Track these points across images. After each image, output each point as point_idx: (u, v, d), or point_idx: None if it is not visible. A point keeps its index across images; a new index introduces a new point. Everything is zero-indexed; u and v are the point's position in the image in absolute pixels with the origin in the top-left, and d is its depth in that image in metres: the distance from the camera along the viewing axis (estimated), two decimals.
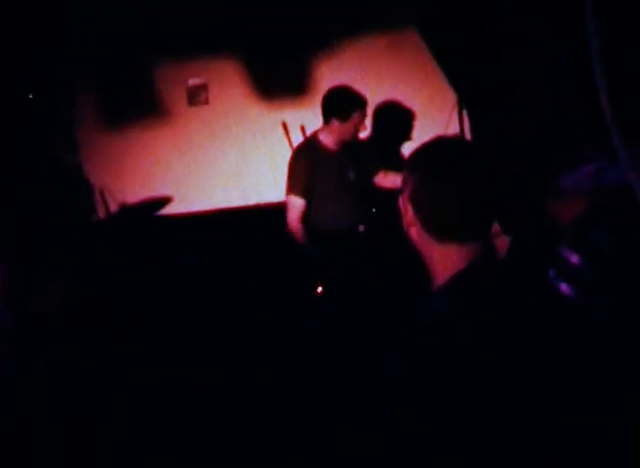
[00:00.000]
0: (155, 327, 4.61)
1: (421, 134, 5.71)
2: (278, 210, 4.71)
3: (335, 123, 4.45)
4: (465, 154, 1.73)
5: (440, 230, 1.71)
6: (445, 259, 1.71)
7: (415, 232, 1.76)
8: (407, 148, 5.80)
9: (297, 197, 4.52)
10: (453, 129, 5.58)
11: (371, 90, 5.42)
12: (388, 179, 4.83)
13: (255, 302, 4.90)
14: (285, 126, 5.24)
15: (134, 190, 5.62)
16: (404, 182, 1.77)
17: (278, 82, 5.71)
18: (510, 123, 4.46)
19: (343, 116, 4.40)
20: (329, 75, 5.62)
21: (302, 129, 5.33)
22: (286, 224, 4.55)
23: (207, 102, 5.73)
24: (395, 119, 5.76)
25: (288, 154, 4.90)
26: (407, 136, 5.78)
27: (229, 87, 5.70)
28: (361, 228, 4.66)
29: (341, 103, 4.43)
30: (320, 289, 4.40)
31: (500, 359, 1.56)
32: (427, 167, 1.71)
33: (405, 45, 5.64)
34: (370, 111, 5.36)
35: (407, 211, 1.76)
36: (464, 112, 5.59)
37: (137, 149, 5.68)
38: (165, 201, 5.62)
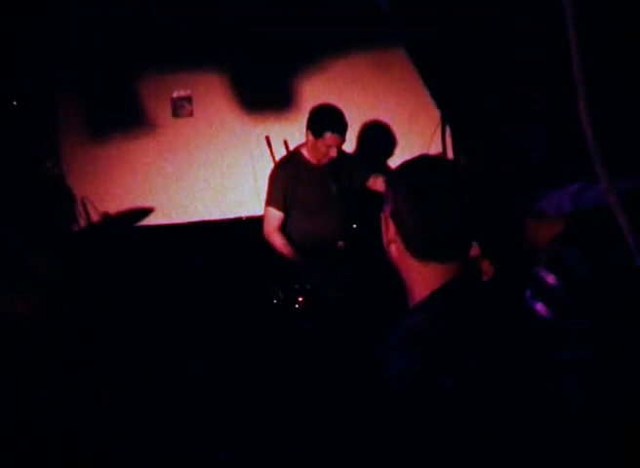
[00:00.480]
0: (134, 335, 4.57)
1: (405, 150, 5.75)
2: (260, 222, 4.71)
3: (310, 138, 4.46)
4: (448, 174, 1.74)
5: (420, 248, 1.71)
6: (424, 278, 1.71)
7: (394, 249, 1.76)
8: (390, 164, 5.83)
9: (274, 209, 4.56)
10: (435, 146, 5.61)
11: (356, 105, 5.48)
12: (380, 183, 4.80)
13: (233, 315, 4.89)
14: (268, 140, 5.23)
15: (116, 201, 5.60)
16: (386, 199, 1.77)
17: (263, 96, 5.71)
18: (493, 142, 4.47)
19: (315, 133, 4.41)
20: (314, 90, 5.65)
21: (285, 143, 5.33)
22: (263, 235, 4.62)
23: (191, 115, 5.72)
24: (379, 135, 5.79)
25: (270, 168, 4.90)
26: (390, 153, 5.81)
27: (214, 100, 5.69)
28: (340, 244, 4.66)
29: (316, 120, 4.44)
30: (300, 299, 4.41)
31: (472, 377, 1.56)
32: (410, 185, 1.72)
33: (391, 62, 5.66)
34: (355, 127, 5.39)
35: (388, 227, 1.76)
36: (447, 129, 5.61)
37: (119, 160, 5.65)
38: (146, 212, 5.61)
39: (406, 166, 1.80)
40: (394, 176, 1.80)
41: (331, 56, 5.69)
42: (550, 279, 2.58)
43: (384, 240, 1.79)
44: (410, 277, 1.74)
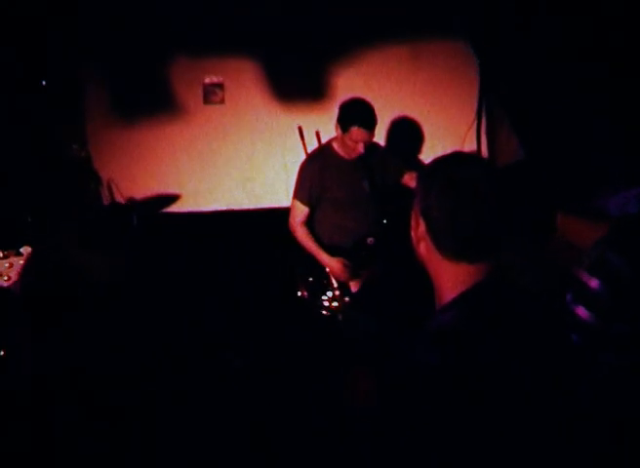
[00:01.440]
0: (152, 322, 4.55)
1: (438, 147, 5.67)
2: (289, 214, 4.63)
3: (339, 132, 4.37)
4: (482, 171, 1.69)
5: (451, 248, 1.68)
6: (453, 278, 1.68)
7: (424, 248, 1.73)
8: (423, 161, 5.75)
9: (300, 203, 4.51)
10: (470, 143, 5.53)
11: (389, 99, 5.38)
12: (415, 181, 4.72)
13: (253, 305, 4.87)
14: (300, 130, 5.16)
15: (142, 185, 5.55)
16: (416, 196, 1.74)
17: (295, 85, 5.64)
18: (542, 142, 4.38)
19: (343, 127, 4.32)
20: (347, 81, 5.57)
21: (317, 134, 5.25)
22: (288, 226, 4.57)
23: (222, 102, 5.65)
24: (412, 131, 5.70)
25: (301, 159, 4.82)
26: (422, 149, 5.73)
27: (246, 87, 5.63)
28: (370, 241, 4.57)
29: (344, 114, 4.35)
30: (301, 292, 4.39)
31: (501, 376, 1.54)
32: (442, 181, 1.67)
33: (428, 55, 5.60)
34: (387, 121, 5.29)
35: (417, 225, 1.73)
36: (483, 127, 5.52)
37: (148, 144, 5.60)
38: (173, 198, 5.56)
39: (438, 162, 1.76)
40: (426, 173, 1.76)
41: (368, 46, 5.61)
42: (593, 283, 2.51)
43: (413, 238, 1.76)
44: (438, 276, 1.72)
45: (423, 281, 1.78)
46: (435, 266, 1.72)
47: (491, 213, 1.64)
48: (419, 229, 1.72)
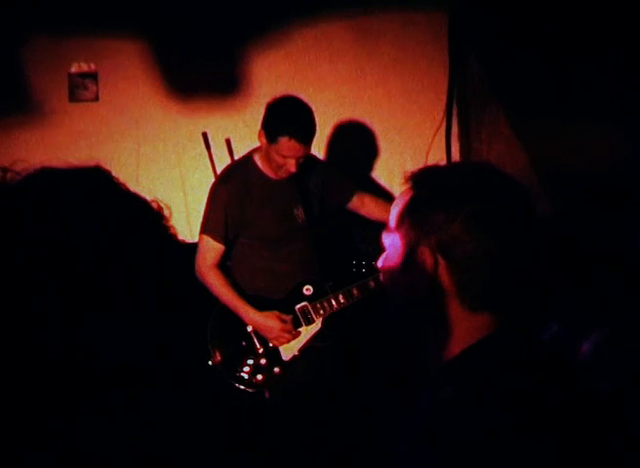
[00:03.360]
0: None
1: (392, 160, 5.70)
2: (192, 252, 4.58)
3: (263, 141, 4.36)
4: (520, 192, 1.76)
5: (479, 293, 1.72)
6: (464, 331, 1.74)
7: (426, 289, 1.75)
8: (377, 177, 5.79)
9: (211, 240, 4.49)
10: (437, 151, 5.59)
11: (330, 97, 5.40)
12: (370, 205, 4.75)
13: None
14: (205, 137, 5.16)
15: None
16: (422, 226, 1.75)
17: (198, 76, 5.61)
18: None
19: (268, 137, 4.32)
20: (270, 72, 5.61)
21: (228, 143, 5.35)
22: (195, 272, 4.52)
23: (96, 99, 5.60)
24: (359, 140, 5.79)
25: (207, 178, 4.82)
26: (373, 164, 5.80)
27: (128, 79, 5.59)
28: (307, 290, 4.58)
29: (270, 119, 4.36)
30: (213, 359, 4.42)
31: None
32: (476, 206, 1.70)
33: (379, 33, 5.65)
34: (329, 124, 5.31)
35: (422, 263, 1.74)
36: (454, 129, 5.60)
37: None
38: None
39: (461, 177, 1.80)
40: (441, 192, 1.77)
41: (296, 22, 5.63)
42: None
43: (401, 279, 1.80)
44: (444, 327, 1.76)
45: (386, 342, 1.81)
46: (444, 316, 1.75)
47: (533, 247, 1.72)
48: (426, 266, 1.73)
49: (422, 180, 1.81)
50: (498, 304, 1.73)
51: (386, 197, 5.03)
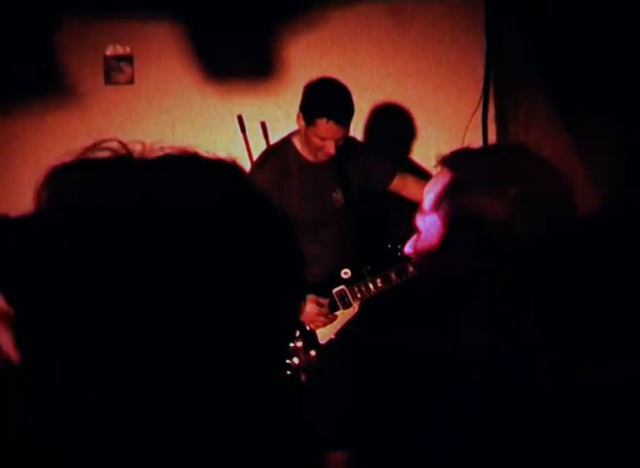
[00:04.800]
0: None
1: (428, 142, 5.70)
2: None
3: (301, 124, 4.38)
4: (565, 179, 1.78)
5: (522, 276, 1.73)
6: None
7: (465, 272, 1.77)
8: (416, 153, 5.84)
9: None
10: (473, 134, 5.57)
11: (366, 79, 5.41)
12: (412, 186, 4.75)
13: None
14: (241, 121, 5.17)
15: (20, 198, 5.44)
16: (460, 205, 1.76)
17: (233, 59, 5.63)
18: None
19: (306, 119, 4.34)
20: (306, 55, 5.61)
21: (264, 126, 5.34)
22: None
23: (131, 81, 5.64)
24: (396, 122, 5.78)
25: (243, 160, 4.82)
26: (411, 146, 5.82)
27: (164, 62, 5.63)
28: (345, 273, 4.59)
29: (308, 101, 4.38)
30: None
31: None
32: (529, 185, 1.73)
33: (417, 17, 5.66)
34: (364, 111, 5.31)
35: (464, 244, 1.75)
36: (490, 114, 5.59)
37: (28, 141, 5.53)
38: None
39: (499, 160, 1.82)
40: (483, 174, 1.78)
41: (331, 4, 5.63)
42: None
43: (439, 262, 1.81)
44: (482, 311, 1.77)
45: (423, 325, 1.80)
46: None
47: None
48: (466, 250, 1.75)
49: (460, 162, 1.82)
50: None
51: (425, 178, 5.04)
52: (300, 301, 1.12)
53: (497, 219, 1.70)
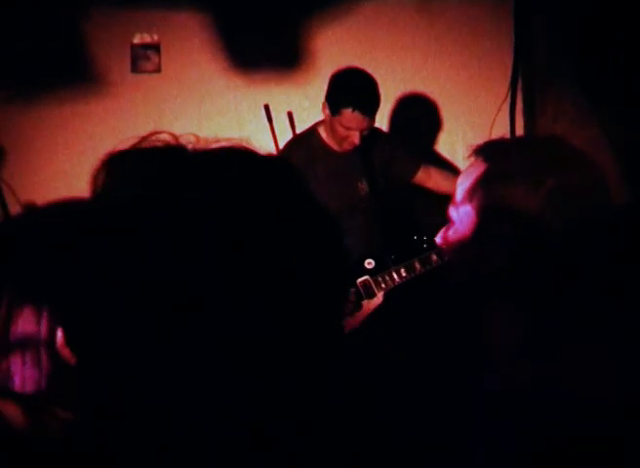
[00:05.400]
0: None
1: (455, 134, 5.69)
2: None
3: (327, 114, 4.39)
4: (599, 171, 1.77)
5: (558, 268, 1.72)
6: None
7: (499, 263, 1.77)
8: (442, 145, 5.83)
9: None
10: (500, 127, 5.56)
11: (392, 69, 5.41)
12: (437, 178, 4.78)
13: None
14: (267, 110, 5.18)
15: (49, 186, 5.49)
16: (495, 197, 1.75)
17: (260, 48, 5.64)
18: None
19: (332, 108, 4.36)
20: (333, 45, 5.61)
21: (290, 116, 5.35)
22: None
23: (158, 70, 5.66)
24: (422, 113, 5.78)
25: (270, 150, 4.82)
26: (436, 138, 5.81)
27: (190, 50, 5.64)
28: (369, 263, 4.59)
29: (334, 90, 4.39)
30: None
31: None
32: (565, 176, 1.72)
33: (443, 7, 5.64)
34: (390, 101, 5.31)
35: (499, 235, 1.75)
36: (518, 107, 5.58)
37: (54, 130, 5.56)
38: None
39: (533, 152, 1.81)
40: (519, 166, 1.77)
41: None
42: None
43: (471, 253, 1.81)
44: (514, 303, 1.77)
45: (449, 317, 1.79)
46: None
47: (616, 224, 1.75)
48: (500, 241, 1.75)
49: (495, 153, 1.81)
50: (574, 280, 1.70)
51: (451, 170, 5.05)
52: (347, 294, 1.12)
53: (531, 211, 1.70)
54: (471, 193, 1.79)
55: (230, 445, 0.98)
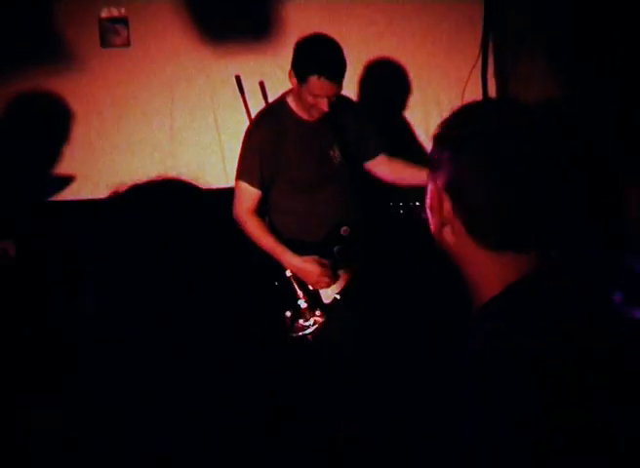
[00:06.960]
0: None
1: (428, 100, 5.71)
2: (227, 197, 4.59)
3: (294, 82, 4.40)
4: (542, 127, 1.70)
5: (490, 234, 1.68)
6: (493, 271, 1.69)
7: (449, 233, 1.73)
8: (415, 109, 5.83)
9: (248, 185, 4.52)
10: (472, 93, 5.57)
11: (360, 36, 5.42)
12: (393, 168, 4.79)
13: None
14: (239, 80, 5.19)
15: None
16: (436, 165, 1.73)
17: (230, 19, 5.64)
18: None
19: (299, 76, 4.36)
20: (301, 11, 5.62)
21: (262, 85, 5.36)
22: (233, 217, 4.54)
23: (127, 44, 5.64)
24: (392, 79, 5.79)
25: (242, 122, 4.84)
26: (406, 104, 5.82)
27: (159, 23, 5.63)
28: (345, 230, 4.61)
29: (300, 58, 4.38)
30: (288, 313, 4.42)
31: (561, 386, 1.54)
32: (479, 144, 1.67)
33: None
34: (358, 68, 5.32)
35: (440, 204, 1.72)
36: (490, 69, 5.60)
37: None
38: (62, 183, 5.50)
39: (466, 116, 1.76)
40: (451, 132, 1.74)
41: None
42: None
43: (433, 221, 1.77)
44: (472, 269, 1.73)
45: (429, 279, 1.77)
46: (468, 257, 1.73)
47: (547, 187, 1.64)
48: (442, 210, 1.72)
49: (446, 119, 1.78)
50: (514, 244, 1.67)
51: (418, 145, 5.09)
52: None
53: (461, 181, 1.68)
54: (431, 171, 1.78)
55: None
